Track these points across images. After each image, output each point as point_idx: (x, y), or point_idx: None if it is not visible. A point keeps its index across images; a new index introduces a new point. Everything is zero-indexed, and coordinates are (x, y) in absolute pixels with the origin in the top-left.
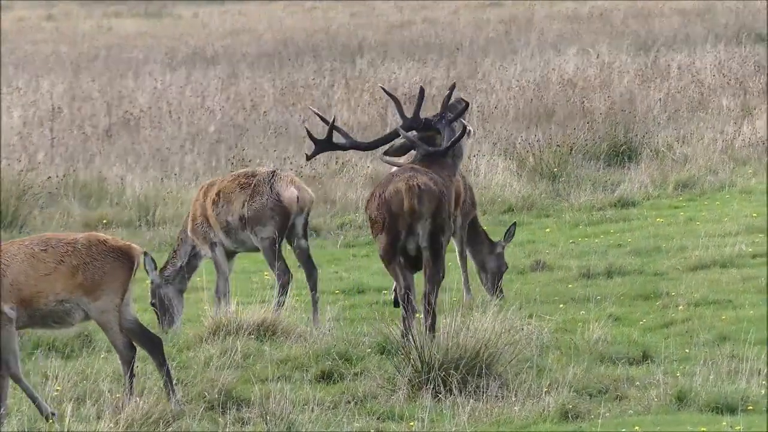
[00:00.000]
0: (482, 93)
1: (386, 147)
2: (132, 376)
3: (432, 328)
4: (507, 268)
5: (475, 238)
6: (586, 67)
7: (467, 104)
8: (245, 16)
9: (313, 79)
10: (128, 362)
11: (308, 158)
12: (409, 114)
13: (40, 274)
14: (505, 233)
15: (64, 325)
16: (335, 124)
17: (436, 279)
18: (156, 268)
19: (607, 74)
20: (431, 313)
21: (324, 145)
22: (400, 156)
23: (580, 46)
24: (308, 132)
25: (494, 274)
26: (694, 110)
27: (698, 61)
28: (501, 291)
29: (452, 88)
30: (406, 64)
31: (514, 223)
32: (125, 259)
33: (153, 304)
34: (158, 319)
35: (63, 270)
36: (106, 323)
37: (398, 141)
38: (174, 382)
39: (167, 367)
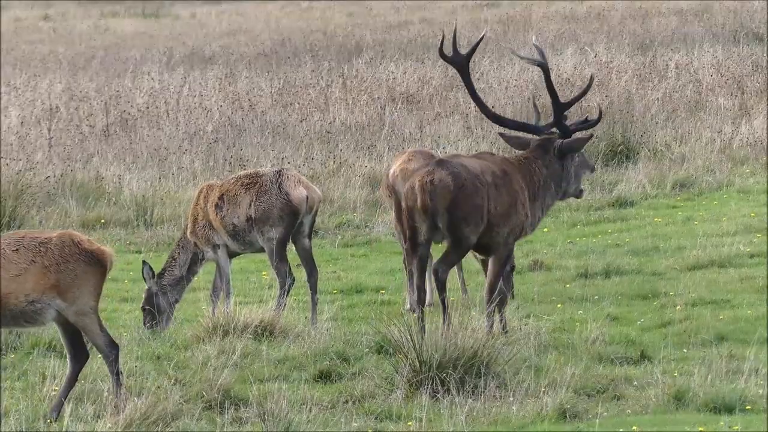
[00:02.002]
0: (480, 92)
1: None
2: (119, 374)
3: (443, 313)
4: (514, 267)
5: None
6: (584, 67)
7: (600, 115)
8: (242, 17)
9: (311, 78)
10: (113, 361)
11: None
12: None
13: (11, 275)
14: None
15: (35, 325)
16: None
17: (449, 260)
18: (154, 276)
19: (605, 74)
20: (439, 289)
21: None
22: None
23: (577, 45)
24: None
25: None
26: (692, 110)
27: (696, 60)
28: (508, 292)
29: (591, 79)
30: (404, 63)
31: None
32: (97, 263)
33: (143, 308)
34: (144, 322)
35: (34, 270)
36: (84, 326)
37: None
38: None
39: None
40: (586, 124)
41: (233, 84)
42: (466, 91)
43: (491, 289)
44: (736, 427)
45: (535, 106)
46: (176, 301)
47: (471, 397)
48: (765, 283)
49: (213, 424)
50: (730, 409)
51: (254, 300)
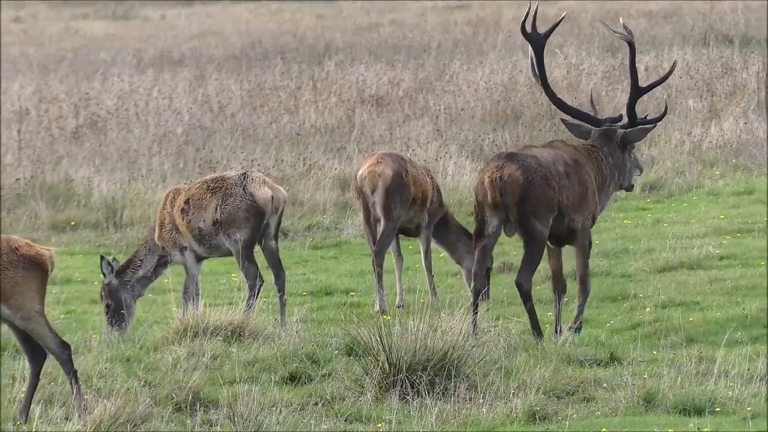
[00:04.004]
0: (450, 95)
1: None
2: (74, 374)
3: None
4: (490, 268)
5: (447, 237)
6: (554, 69)
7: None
8: (212, 19)
9: (281, 80)
10: (66, 361)
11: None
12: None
13: None
14: None
15: None
16: None
17: (529, 265)
18: (113, 271)
19: (574, 76)
20: (524, 300)
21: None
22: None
23: (547, 48)
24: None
25: (470, 274)
26: (660, 112)
27: (666, 62)
28: (485, 293)
29: (673, 65)
30: (374, 65)
31: None
32: (37, 266)
33: (107, 305)
34: (108, 321)
35: None
36: (32, 330)
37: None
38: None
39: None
40: (648, 120)
41: (203, 86)
42: (536, 70)
43: (582, 281)
44: (706, 429)
45: (592, 101)
46: (138, 296)
47: (441, 399)
48: (734, 285)
49: (183, 426)
50: (699, 411)
51: (224, 302)
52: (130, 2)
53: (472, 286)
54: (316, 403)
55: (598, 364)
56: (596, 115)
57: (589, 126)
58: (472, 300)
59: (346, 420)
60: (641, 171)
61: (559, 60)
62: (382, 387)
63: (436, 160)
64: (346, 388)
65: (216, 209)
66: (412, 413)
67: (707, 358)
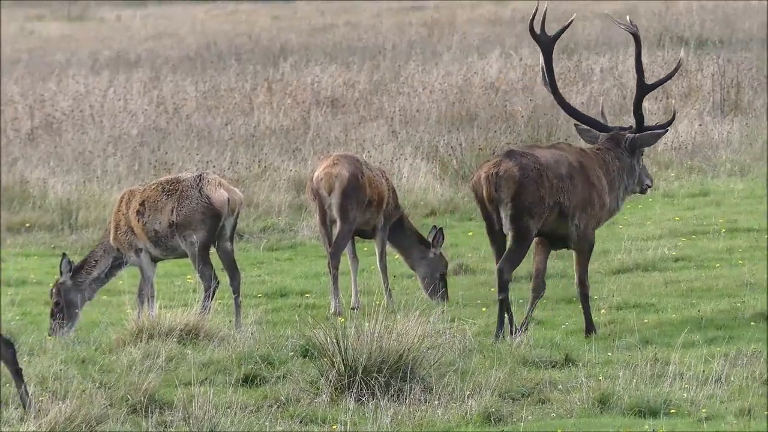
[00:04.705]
0: (405, 96)
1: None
2: (18, 372)
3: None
4: (444, 273)
5: (402, 240)
6: (509, 71)
7: (674, 116)
8: (168, 20)
9: (236, 82)
10: (9, 360)
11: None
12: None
13: None
14: (433, 238)
15: None
16: None
17: (512, 258)
18: (70, 270)
19: (529, 77)
20: (499, 289)
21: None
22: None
23: (502, 49)
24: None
25: (426, 279)
26: (617, 114)
27: (621, 64)
28: (443, 296)
29: (679, 63)
30: (329, 67)
31: (441, 228)
32: None
33: (56, 303)
34: (52, 320)
35: None
36: None
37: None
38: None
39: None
40: (659, 126)
41: (158, 87)
42: (545, 73)
43: (581, 282)
44: (661, 431)
45: (602, 112)
46: (88, 299)
47: (396, 401)
48: (689, 287)
49: (138, 427)
50: (654, 413)
51: (179, 304)
52: (86, 3)
53: (498, 283)
54: (271, 405)
55: (554, 366)
56: (606, 123)
57: (598, 132)
58: (501, 297)
59: (301, 422)
60: (651, 181)
61: (514, 62)
62: (337, 389)
63: (392, 161)
64: (301, 390)
65: (172, 211)
66: (367, 415)
67: (662, 359)
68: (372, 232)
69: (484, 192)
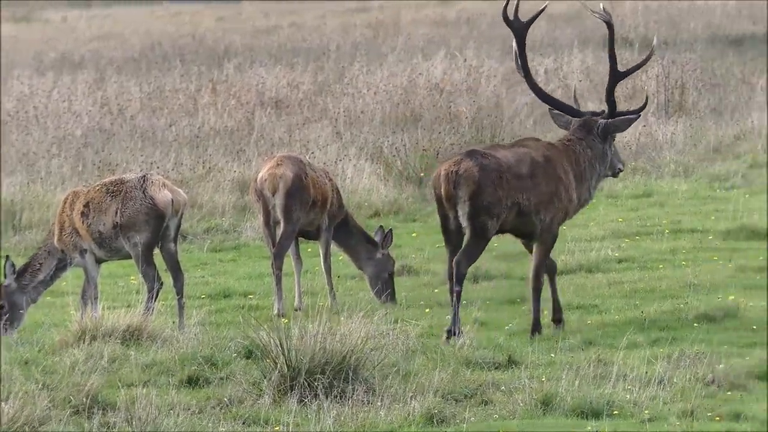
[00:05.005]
0: (349, 97)
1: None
2: None
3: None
4: (392, 273)
5: (349, 241)
6: (453, 72)
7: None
8: (112, 21)
9: (180, 83)
10: None
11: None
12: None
13: None
14: (383, 239)
15: None
16: None
17: (469, 254)
18: (14, 273)
19: (474, 78)
20: (455, 282)
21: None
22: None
23: (447, 50)
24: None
25: (373, 279)
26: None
27: (566, 65)
28: (390, 296)
29: (652, 51)
30: (274, 68)
31: (390, 229)
32: None
33: (1, 307)
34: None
35: None
36: None
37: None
38: None
39: None
40: (631, 111)
41: (102, 88)
42: (518, 58)
43: (536, 276)
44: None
45: (575, 97)
46: (33, 301)
47: (339, 402)
48: (632, 288)
49: (81, 428)
50: (597, 414)
51: (122, 305)
52: (31, 3)
53: (451, 281)
54: (215, 406)
55: (496, 367)
56: (578, 109)
57: (570, 117)
58: (454, 296)
59: (244, 423)
60: (623, 165)
61: (459, 63)
62: (280, 390)
63: (336, 162)
64: (244, 391)
65: (116, 212)
66: (310, 416)
67: (605, 361)
68: (316, 233)
69: (442, 189)
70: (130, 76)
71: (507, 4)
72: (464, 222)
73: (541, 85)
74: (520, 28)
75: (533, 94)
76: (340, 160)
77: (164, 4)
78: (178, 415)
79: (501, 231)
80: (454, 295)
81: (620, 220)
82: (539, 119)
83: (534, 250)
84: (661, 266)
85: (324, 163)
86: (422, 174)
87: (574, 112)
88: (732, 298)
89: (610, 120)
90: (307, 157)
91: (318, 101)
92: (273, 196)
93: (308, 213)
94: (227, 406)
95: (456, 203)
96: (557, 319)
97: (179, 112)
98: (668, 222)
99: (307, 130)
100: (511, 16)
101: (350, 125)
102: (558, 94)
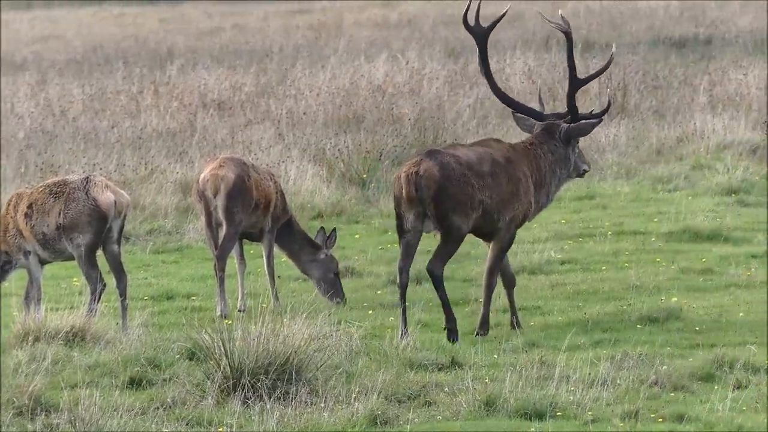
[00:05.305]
0: (292, 99)
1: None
2: None
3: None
4: (337, 272)
5: (292, 243)
6: (396, 74)
7: (610, 104)
8: (54, 23)
9: (123, 85)
10: None
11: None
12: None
13: None
14: (327, 239)
15: None
16: None
17: (442, 255)
18: None
19: (416, 81)
20: (435, 287)
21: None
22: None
23: (389, 52)
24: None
25: (320, 281)
26: (503, 117)
27: (508, 67)
28: (337, 295)
29: (611, 57)
30: (216, 70)
31: (334, 229)
32: None
33: None
34: None
35: None
36: None
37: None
38: None
39: None
40: (594, 115)
41: (45, 90)
42: (480, 63)
43: (490, 273)
44: None
45: (540, 97)
46: None
47: (282, 404)
48: (575, 290)
49: (24, 430)
50: (540, 416)
51: (65, 306)
52: None
53: (398, 281)
54: (158, 408)
55: (440, 369)
56: (543, 111)
57: (534, 120)
58: (399, 295)
59: (187, 424)
60: (589, 166)
61: (401, 65)
62: (223, 391)
63: (278, 164)
64: (187, 393)
65: (59, 214)
66: (253, 417)
67: (548, 362)
68: (260, 235)
69: (404, 192)
70: (72, 77)
71: (467, 9)
72: (435, 224)
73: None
74: (480, 34)
75: (476, 96)
76: (283, 162)
77: (106, 6)
78: (121, 417)
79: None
80: (440, 300)
81: (563, 222)
82: (481, 121)
83: (491, 248)
84: (603, 268)
85: (267, 165)
86: (364, 176)
87: (538, 116)
88: (675, 299)
89: (572, 124)
90: (250, 159)
91: (260, 103)
92: (215, 197)
93: (251, 215)
94: (170, 407)
95: (420, 205)
96: (516, 323)
97: (122, 114)
98: (611, 224)
99: (249, 131)
100: (471, 23)
101: (293, 127)
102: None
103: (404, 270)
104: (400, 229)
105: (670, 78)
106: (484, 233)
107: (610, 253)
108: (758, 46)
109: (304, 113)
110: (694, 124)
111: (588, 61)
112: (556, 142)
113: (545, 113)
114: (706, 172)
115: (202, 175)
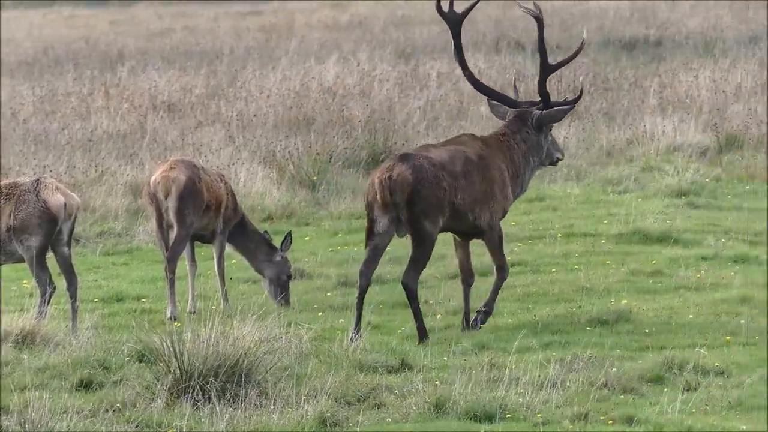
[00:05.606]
0: (242, 101)
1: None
2: None
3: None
4: (290, 276)
5: (247, 244)
6: (346, 75)
7: (581, 93)
8: (4, 25)
9: (73, 87)
10: None
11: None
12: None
13: None
14: (282, 242)
15: None
16: None
17: (415, 264)
18: None
19: (367, 82)
20: (409, 299)
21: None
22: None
23: (340, 54)
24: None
25: (272, 281)
26: (454, 118)
27: (458, 69)
28: (285, 300)
29: (582, 44)
30: (167, 72)
31: (289, 232)
32: None
33: None
34: None
35: None
36: None
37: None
38: None
39: None
40: (566, 101)
41: None
42: (454, 50)
43: (500, 269)
44: None
45: (514, 85)
46: None
47: (232, 406)
48: (525, 292)
49: None
50: (490, 418)
51: (15, 308)
52: None
53: (358, 283)
54: (108, 410)
55: (390, 371)
56: (517, 98)
57: (507, 108)
58: (357, 298)
59: (137, 426)
60: (562, 154)
61: (351, 66)
62: (173, 393)
63: (229, 166)
64: (137, 395)
65: (9, 216)
66: (203, 419)
67: (498, 364)
68: (211, 237)
69: (378, 197)
70: (22, 79)
71: None
72: (407, 229)
73: (433, 89)
74: (454, 20)
75: (427, 98)
76: (233, 164)
77: (57, 8)
78: (71, 419)
79: (444, 230)
80: (413, 310)
81: (513, 224)
82: (432, 123)
83: (489, 252)
84: (553, 270)
85: (217, 167)
86: (315, 178)
87: (511, 103)
88: (625, 301)
89: (544, 111)
90: (201, 161)
91: (211, 105)
92: (166, 199)
93: (202, 217)
94: (120, 409)
95: (393, 210)
96: (468, 322)
97: (72, 116)
98: (561, 226)
99: (200, 133)
100: (446, 9)
101: (243, 129)
102: (450, 98)
103: (365, 274)
104: (370, 233)
105: (621, 80)
106: (461, 232)
107: (560, 255)
108: (708, 48)
109: (255, 115)
110: (644, 126)
111: (538, 62)
112: (528, 129)
113: (519, 101)
114: (656, 174)
115: (152, 177)
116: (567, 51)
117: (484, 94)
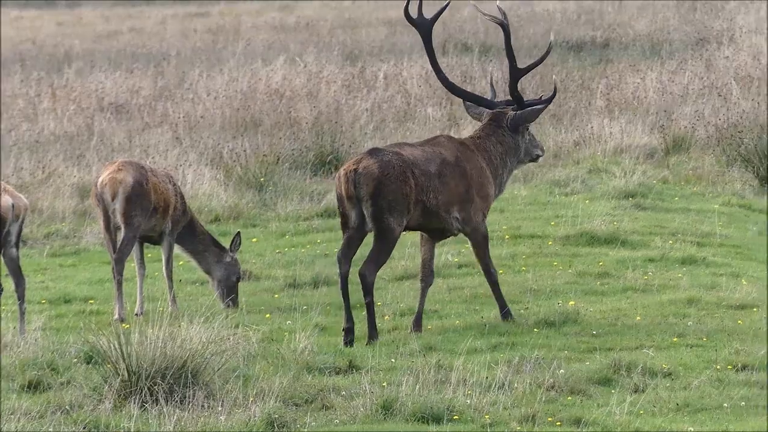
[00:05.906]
0: (189, 102)
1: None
2: None
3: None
4: (239, 277)
5: (196, 245)
6: (294, 77)
7: (555, 91)
8: None
9: (20, 88)
10: None
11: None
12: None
13: None
14: (231, 242)
15: None
16: None
17: (375, 258)
18: None
19: (314, 84)
20: (365, 293)
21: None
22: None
23: (287, 56)
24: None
25: (221, 283)
26: (401, 120)
27: (405, 71)
28: (233, 301)
29: (550, 46)
30: (114, 73)
31: (239, 232)
32: None
33: None
34: None
35: None
36: None
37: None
38: None
39: None
40: (541, 100)
41: None
42: (428, 55)
43: (487, 272)
44: None
45: (491, 83)
46: None
47: (179, 407)
48: (473, 293)
49: None
50: (438, 419)
51: None
52: None
53: (337, 271)
54: (55, 411)
55: (337, 372)
56: (494, 98)
57: (483, 108)
58: (340, 285)
59: (84, 428)
60: (543, 151)
61: (299, 68)
62: (121, 395)
63: (176, 168)
64: (85, 396)
65: None
66: (151, 421)
67: (446, 366)
68: (159, 238)
69: (342, 189)
70: None
71: (408, 2)
72: (369, 223)
73: (380, 90)
74: (424, 25)
75: (374, 100)
76: (180, 165)
77: (3, 9)
78: (18, 420)
79: (407, 228)
80: (366, 306)
81: None
82: (379, 125)
83: (474, 254)
84: (501, 272)
85: (165, 168)
86: (262, 179)
87: (487, 103)
88: (572, 303)
89: (518, 112)
90: (149, 163)
91: (158, 106)
92: (113, 201)
93: (150, 218)
94: (68, 411)
95: (359, 203)
96: (417, 327)
97: (19, 118)
98: (508, 227)
99: (147, 135)
100: (414, 15)
101: (190, 130)
102: (398, 100)
103: (343, 260)
104: (344, 226)
105: (568, 81)
106: (434, 230)
107: (508, 257)
108: (655, 50)
109: (202, 117)
110: (591, 127)
111: (485, 64)
112: (503, 131)
113: (496, 101)
114: (604, 175)
115: (100, 179)
116: (517, 53)
117: (459, 97)
